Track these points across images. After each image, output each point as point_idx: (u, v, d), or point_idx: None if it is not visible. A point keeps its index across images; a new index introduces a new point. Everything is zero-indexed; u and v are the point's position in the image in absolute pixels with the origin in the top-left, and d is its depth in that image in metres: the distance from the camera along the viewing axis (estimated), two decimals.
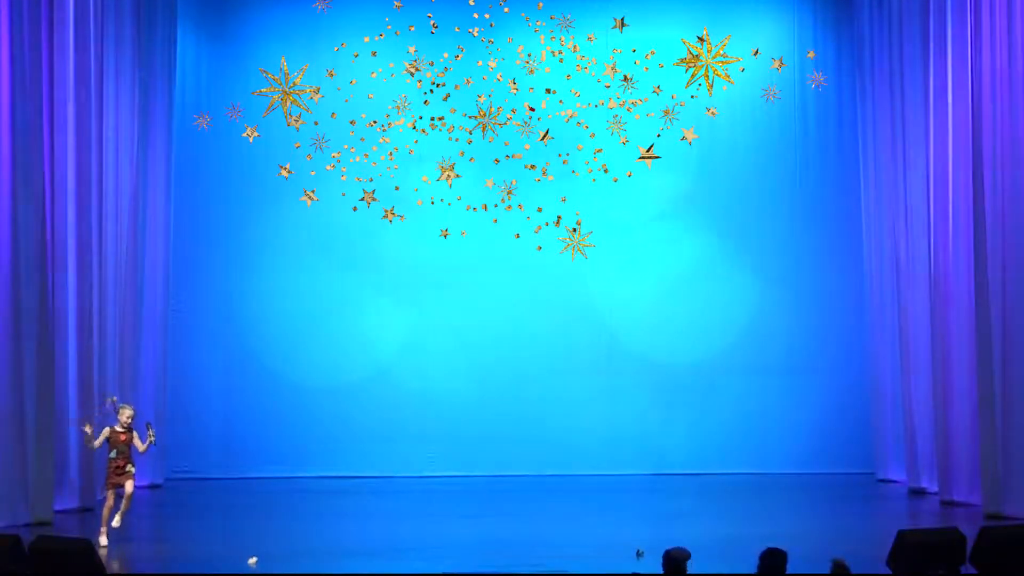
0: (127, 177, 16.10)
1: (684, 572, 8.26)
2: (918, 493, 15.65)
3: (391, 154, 16.15)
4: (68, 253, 14.39)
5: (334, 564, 11.32)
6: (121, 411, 12.63)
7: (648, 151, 15.86)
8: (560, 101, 16.16)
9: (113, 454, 12.50)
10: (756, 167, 17.99)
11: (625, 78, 16.01)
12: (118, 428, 12.57)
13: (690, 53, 15.66)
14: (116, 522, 12.47)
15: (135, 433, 12.58)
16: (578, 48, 16.13)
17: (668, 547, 8.42)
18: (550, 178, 16.38)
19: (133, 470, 12.61)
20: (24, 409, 13.36)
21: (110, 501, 12.52)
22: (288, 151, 16.35)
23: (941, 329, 14.75)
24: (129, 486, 12.50)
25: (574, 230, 16.37)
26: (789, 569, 8.30)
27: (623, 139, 16.00)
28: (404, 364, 17.76)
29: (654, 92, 15.91)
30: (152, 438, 12.61)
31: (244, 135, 16.14)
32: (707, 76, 15.61)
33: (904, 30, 15.84)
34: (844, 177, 17.90)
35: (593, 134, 16.08)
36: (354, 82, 16.21)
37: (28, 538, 9.90)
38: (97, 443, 12.62)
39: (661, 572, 8.42)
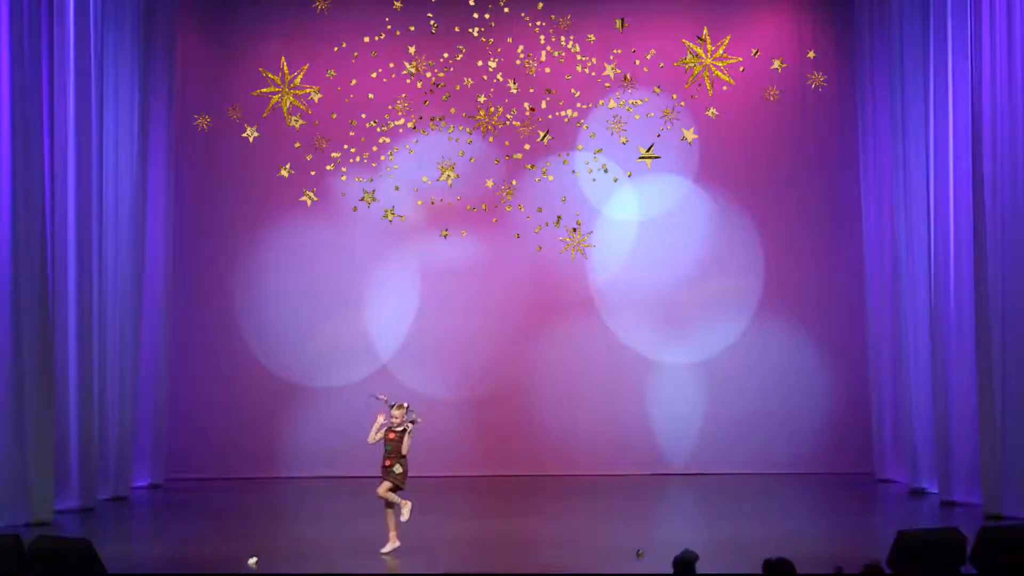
0: (127, 177, 16.09)
1: (694, 573, 8.24)
2: (918, 493, 15.65)
3: (391, 154, 16.15)
4: (68, 254, 14.40)
5: (334, 564, 11.31)
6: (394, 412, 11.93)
7: (648, 151, 15.86)
8: (560, 101, 16.16)
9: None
10: (756, 167, 18.00)
11: (625, 78, 16.01)
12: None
13: (690, 53, 15.67)
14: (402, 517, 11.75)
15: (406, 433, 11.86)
16: (578, 48, 16.13)
17: (667, 547, 8.41)
18: (550, 178, 16.37)
19: (398, 471, 11.82)
20: (24, 409, 13.35)
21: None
22: (288, 151, 16.34)
23: (941, 329, 14.76)
24: (381, 489, 11.79)
25: (574, 230, 16.35)
26: None
27: (623, 139, 16.00)
28: (404, 364, 17.76)
29: (654, 92, 15.92)
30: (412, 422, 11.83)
31: (244, 135, 16.14)
32: (707, 76, 15.62)
33: (904, 30, 15.84)
34: (844, 177, 17.90)
35: (593, 134, 16.08)
36: (354, 82, 16.22)
37: (28, 538, 9.89)
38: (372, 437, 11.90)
39: (662, 572, 8.41)
